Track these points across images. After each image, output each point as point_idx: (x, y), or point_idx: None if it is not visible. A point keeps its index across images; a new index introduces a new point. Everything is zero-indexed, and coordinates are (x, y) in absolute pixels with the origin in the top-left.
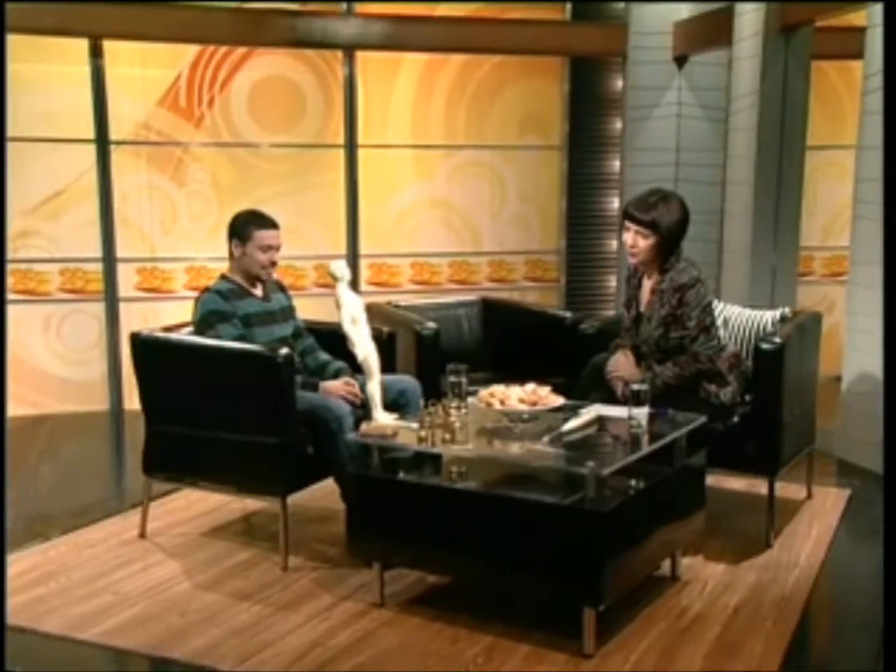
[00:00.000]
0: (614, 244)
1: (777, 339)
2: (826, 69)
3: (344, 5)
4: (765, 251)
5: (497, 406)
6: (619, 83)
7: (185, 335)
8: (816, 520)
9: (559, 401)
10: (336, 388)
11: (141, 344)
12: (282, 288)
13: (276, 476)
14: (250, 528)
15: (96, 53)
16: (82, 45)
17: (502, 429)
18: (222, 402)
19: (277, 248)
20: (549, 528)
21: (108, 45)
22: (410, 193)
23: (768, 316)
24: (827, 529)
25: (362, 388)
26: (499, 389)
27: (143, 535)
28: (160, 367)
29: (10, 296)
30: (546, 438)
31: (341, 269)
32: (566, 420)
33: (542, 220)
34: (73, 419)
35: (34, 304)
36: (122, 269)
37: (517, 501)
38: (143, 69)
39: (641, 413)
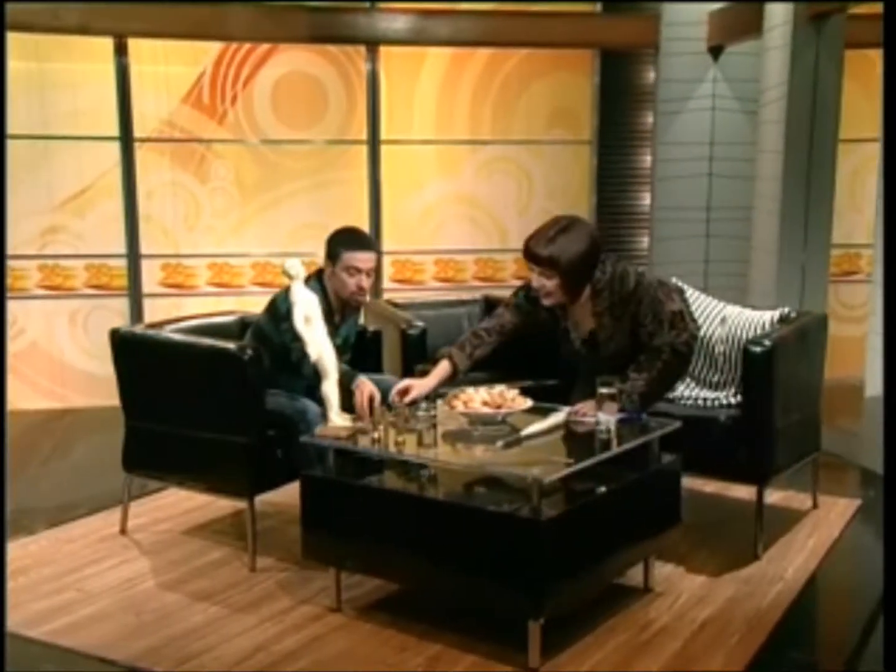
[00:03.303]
0: (645, 241)
1: (767, 342)
2: (874, 58)
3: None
4: (793, 249)
5: (460, 408)
6: (651, 75)
7: (168, 332)
8: (817, 531)
9: (526, 404)
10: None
11: (120, 340)
12: (355, 312)
13: (243, 476)
14: (232, 526)
15: (121, 51)
16: (107, 43)
17: (462, 432)
18: (193, 400)
19: (368, 273)
20: (493, 537)
21: (133, 43)
22: (435, 189)
23: (767, 317)
24: (824, 541)
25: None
26: (464, 392)
27: (123, 531)
28: (136, 363)
29: (37, 291)
30: (500, 443)
31: (295, 267)
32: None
33: None
34: (96, 413)
35: (61, 299)
36: (146, 265)
37: (463, 508)
38: (167, 67)
39: (610, 418)
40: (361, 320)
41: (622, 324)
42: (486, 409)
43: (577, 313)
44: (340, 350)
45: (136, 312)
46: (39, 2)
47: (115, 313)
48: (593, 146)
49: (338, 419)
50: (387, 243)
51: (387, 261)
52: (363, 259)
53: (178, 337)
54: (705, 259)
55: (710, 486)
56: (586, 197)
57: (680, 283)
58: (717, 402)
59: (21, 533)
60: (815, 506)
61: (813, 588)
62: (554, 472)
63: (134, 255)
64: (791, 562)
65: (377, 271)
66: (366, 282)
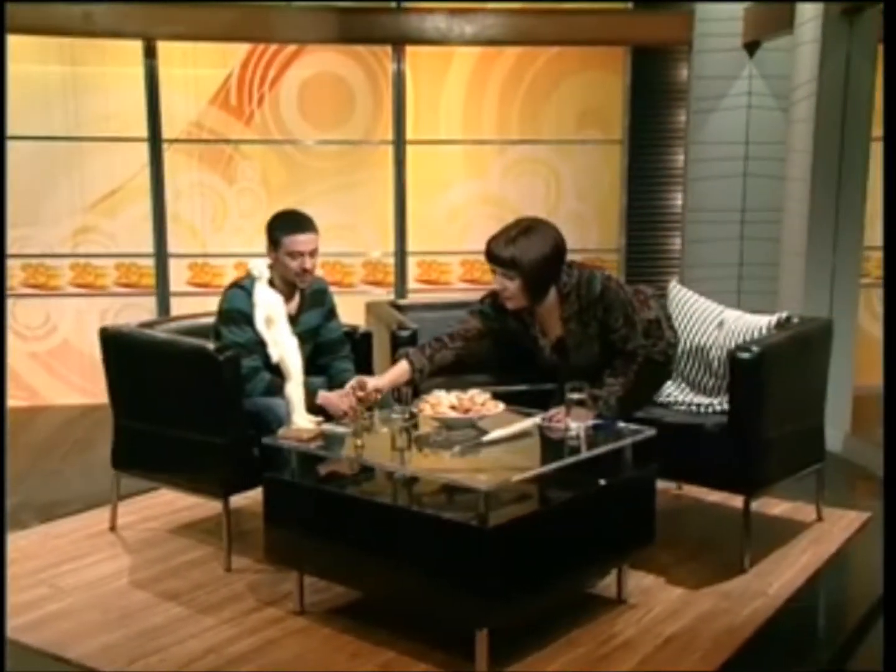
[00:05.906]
0: (677, 243)
1: (755, 348)
2: None
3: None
4: (822, 252)
5: (428, 412)
6: (684, 73)
7: (156, 331)
8: (814, 545)
9: (498, 408)
10: (330, 400)
11: (108, 338)
12: (320, 301)
13: (218, 475)
14: (219, 526)
15: (150, 54)
16: (137, 46)
17: (425, 437)
18: (173, 399)
19: (312, 254)
20: (443, 544)
21: (162, 46)
22: (462, 190)
23: (765, 321)
24: (820, 556)
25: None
26: (434, 395)
27: (113, 528)
28: (122, 361)
29: (70, 289)
30: (456, 449)
31: (259, 268)
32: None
33: (601, 218)
34: None
35: (92, 297)
36: (174, 264)
37: (413, 514)
38: (195, 69)
39: (580, 424)
40: (361, 322)
41: (590, 329)
42: (453, 413)
43: (545, 319)
44: (302, 339)
45: (164, 311)
46: (40, 2)
47: (144, 311)
48: (624, 146)
49: (301, 421)
50: (413, 244)
51: (412, 261)
52: (303, 241)
53: (160, 336)
54: (739, 262)
55: (712, 496)
56: (617, 198)
57: (679, 287)
58: (710, 409)
59: (15, 527)
60: (819, 518)
61: (794, 605)
62: (501, 480)
63: (162, 255)
64: (779, 577)
65: (402, 269)
66: (309, 262)
